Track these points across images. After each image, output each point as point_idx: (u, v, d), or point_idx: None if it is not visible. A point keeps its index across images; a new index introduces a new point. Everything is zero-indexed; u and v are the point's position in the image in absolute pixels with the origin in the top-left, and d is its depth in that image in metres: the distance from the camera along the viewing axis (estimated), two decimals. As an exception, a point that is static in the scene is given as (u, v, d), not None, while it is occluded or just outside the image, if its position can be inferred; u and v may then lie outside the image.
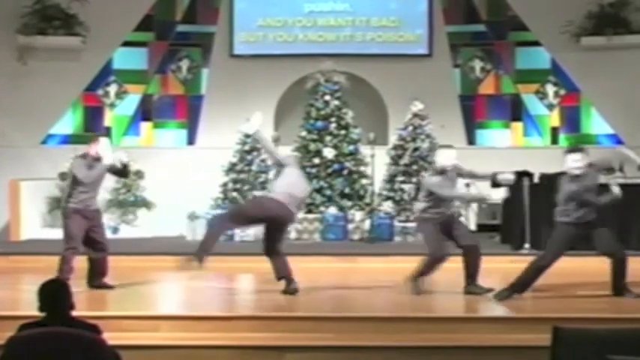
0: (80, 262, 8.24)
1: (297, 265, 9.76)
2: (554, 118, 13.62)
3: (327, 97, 12.47)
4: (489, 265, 8.20)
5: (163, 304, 8.26)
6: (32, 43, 12.89)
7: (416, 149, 12.41)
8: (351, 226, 11.90)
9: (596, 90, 13.23)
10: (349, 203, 12.11)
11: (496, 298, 7.59)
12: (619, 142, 12.87)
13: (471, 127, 13.71)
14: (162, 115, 13.71)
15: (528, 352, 6.07)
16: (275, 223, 8.02)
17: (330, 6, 13.72)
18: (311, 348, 6.41)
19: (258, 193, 11.66)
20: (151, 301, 8.05)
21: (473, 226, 12.77)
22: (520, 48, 13.70)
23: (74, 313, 4.61)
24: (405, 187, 12.27)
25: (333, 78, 12.53)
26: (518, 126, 13.68)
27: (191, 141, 13.65)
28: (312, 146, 12.31)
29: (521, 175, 10.63)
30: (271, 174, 12.14)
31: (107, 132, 13.23)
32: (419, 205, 8.08)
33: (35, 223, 12.22)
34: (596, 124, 13.41)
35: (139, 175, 12.55)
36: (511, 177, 8.14)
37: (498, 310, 7.52)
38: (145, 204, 12.66)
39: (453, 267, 9.61)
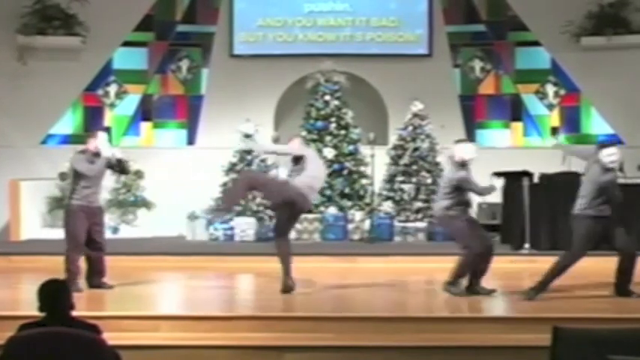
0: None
1: (297, 265, 9.78)
2: (554, 118, 13.62)
3: (327, 97, 12.48)
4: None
5: (163, 304, 8.26)
6: (32, 43, 12.88)
7: (416, 149, 12.41)
8: (351, 226, 11.91)
9: (596, 90, 13.22)
10: (349, 203, 12.12)
11: (525, 298, 7.49)
12: (619, 142, 12.86)
13: (471, 127, 13.70)
14: (162, 115, 13.71)
15: (528, 352, 6.07)
16: (290, 209, 8.09)
17: (330, 6, 13.71)
18: (311, 348, 6.41)
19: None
20: (150, 301, 8.04)
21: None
22: (520, 48, 13.70)
23: (74, 313, 4.61)
24: (405, 187, 12.27)
25: (333, 78, 12.53)
26: (518, 126, 13.67)
27: (191, 141, 13.65)
28: (312, 146, 12.28)
29: (521, 175, 10.65)
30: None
31: (107, 131, 13.24)
32: (442, 203, 7.87)
33: (35, 223, 12.22)
34: (596, 124, 13.40)
35: (139, 175, 12.55)
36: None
37: (498, 310, 7.53)
38: (145, 204, 12.66)
39: (452, 267, 9.64)
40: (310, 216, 11.81)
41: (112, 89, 13.54)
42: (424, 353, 6.38)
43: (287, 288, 7.91)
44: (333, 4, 13.71)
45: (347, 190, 12.15)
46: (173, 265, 9.92)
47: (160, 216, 12.47)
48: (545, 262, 8.23)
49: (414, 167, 12.35)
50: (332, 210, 11.97)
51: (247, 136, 12.34)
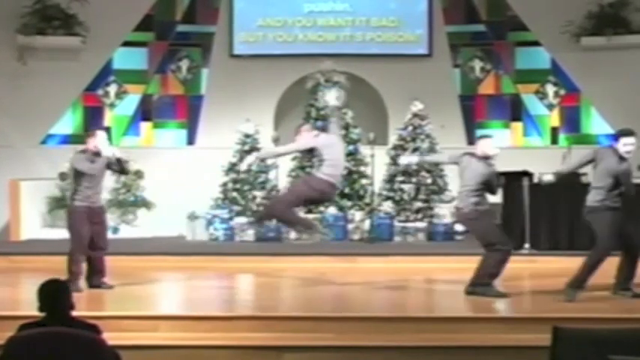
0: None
1: (298, 265, 9.80)
2: (554, 118, 13.62)
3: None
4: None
5: (163, 304, 8.26)
6: (32, 43, 12.88)
7: (416, 149, 12.40)
8: (350, 226, 11.91)
9: (596, 90, 13.22)
10: (349, 203, 12.11)
11: (566, 300, 7.43)
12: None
13: (471, 127, 13.69)
14: (162, 115, 13.70)
15: (528, 352, 6.07)
16: (321, 200, 8.44)
17: (330, 6, 13.71)
18: (311, 348, 6.41)
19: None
20: (150, 301, 8.04)
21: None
22: (520, 48, 13.69)
23: (74, 313, 4.61)
24: (405, 187, 12.27)
25: (333, 78, 12.53)
26: (518, 126, 13.67)
27: (191, 141, 13.64)
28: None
29: (521, 175, 10.64)
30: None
31: (106, 131, 13.24)
32: (471, 200, 7.77)
33: (35, 223, 12.22)
34: (596, 124, 13.40)
35: (139, 175, 12.54)
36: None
37: (498, 310, 7.52)
38: (145, 204, 12.65)
39: (452, 267, 9.66)
40: (310, 216, 11.79)
41: (112, 89, 13.53)
42: (424, 353, 6.38)
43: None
44: (333, 4, 13.70)
45: (347, 190, 12.15)
46: (173, 265, 9.92)
47: (160, 216, 12.47)
48: (546, 262, 8.28)
49: (414, 167, 12.34)
50: (332, 210, 11.97)
51: (247, 136, 12.33)
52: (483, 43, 13.75)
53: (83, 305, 6.88)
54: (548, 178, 7.97)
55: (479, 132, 13.70)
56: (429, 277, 9.28)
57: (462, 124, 13.63)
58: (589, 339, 4.50)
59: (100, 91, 13.48)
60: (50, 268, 7.60)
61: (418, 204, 12.18)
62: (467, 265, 9.13)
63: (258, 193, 12.13)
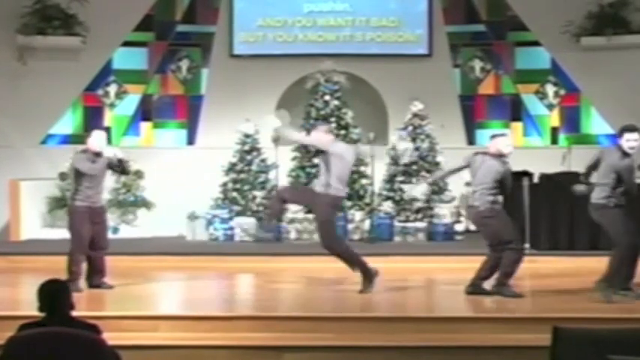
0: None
1: (298, 265, 9.80)
2: (554, 118, 13.62)
3: (327, 97, 12.46)
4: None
5: (163, 304, 8.26)
6: (32, 43, 12.87)
7: (416, 149, 12.40)
8: (351, 226, 11.90)
9: (596, 90, 13.22)
10: (349, 203, 12.10)
11: (606, 301, 7.41)
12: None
13: (471, 127, 13.70)
14: (162, 115, 13.70)
15: (528, 352, 6.07)
16: (334, 210, 8.34)
17: (330, 6, 13.71)
18: (311, 348, 6.41)
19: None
20: (150, 301, 8.04)
21: (473, 226, 12.77)
22: (520, 48, 13.69)
23: (74, 314, 4.61)
24: (405, 187, 12.26)
25: (333, 78, 12.52)
26: (518, 126, 13.66)
27: (191, 141, 13.64)
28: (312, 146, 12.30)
29: (521, 175, 10.64)
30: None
31: (106, 131, 13.24)
32: (487, 198, 7.74)
33: (35, 223, 12.22)
34: (596, 124, 13.40)
35: (139, 175, 12.54)
36: None
37: (498, 310, 7.52)
38: (145, 204, 12.65)
39: (452, 267, 9.66)
40: (310, 216, 11.79)
41: (112, 89, 13.53)
42: (424, 353, 6.38)
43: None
44: (333, 4, 13.70)
45: (347, 190, 12.13)
46: (173, 265, 9.93)
47: (160, 216, 12.47)
48: (546, 262, 8.28)
49: (414, 167, 12.34)
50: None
51: (247, 136, 12.32)
52: (483, 43, 13.74)
53: (83, 305, 6.89)
54: (581, 188, 7.93)
55: (479, 132, 13.74)
56: (429, 277, 9.28)
57: (461, 124, 13.63)
58: (589, 339, 4.50)
59: (100, 91, 13.48)
60: (50, 268, 7.61)
61: (418, 204, 12.17)
62: (467, 265, 9.14)
63: (258, 193, 12.13)
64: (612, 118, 13.09)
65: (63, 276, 7.28)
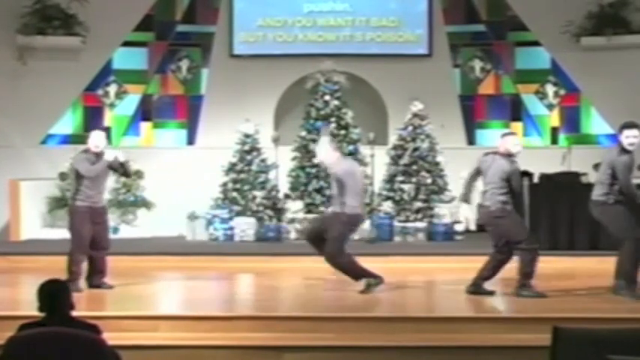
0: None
1: (298, 265, 9.80)
2: (554, 118, 13.62)
3: (327, 97, 12.46)
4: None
5: (163, 304, 8.25)
6: (32, 42, 12.88)
7: (416, 149, 12.40)
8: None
9: (596, 90, 13.22)
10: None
11: (632, 298, 7.43)
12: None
13: (471, 127, 13.70)
14: (162, 115, 13.70)
15: (528, 352, 6.07)
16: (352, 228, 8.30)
17: (330, 6, 13.71)
18: (311, 348, 6.41)
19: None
20: (150, 301, 8.04)
21: (473, 226, 12.77)
22: (520, 48, 13.69)
23: (74, 313, 4.61)
24: (405, 187, 12.26)
25: (332, 78, 12.52)
26: (518, 126, 13.66)
27: (191, 141, 13.65)
28: (312, 146, 12.28)
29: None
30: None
31: (107, 131, 13.25)
32: (499, 198, 7.71)
33: (35, 223, 12.21)
34: (596, 124, 13.40)
35: (139, 175, 12.54)
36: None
37: (498, 310, 7.52)
38: (145, 204, 12.65)
39: (452, 267, 9.66)
40: (310, 216, 11.80)
41: (112, 89, 13.53)
42: (424, 353, 6.38)
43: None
44: (333, 4, 13.70)
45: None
46: (173, 265, 9.92)
47: (160, 216, 12.47)
48: (545, 262, 8.25)
49: (414, 167, 12.34)
50: (332, 210, 11.94)
51: (247, 136, 12.31)
52: (483, 43, 13.75)
53: (83, 305, 6.89)
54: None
55: (479, 132, 13.75)
56: (429, 277, 9.28)
57: (461, 124, 13.63)
58: (589, 339, 4.50)
59: (100, 91, 13.49)
60: (50, 268, 7.61)
61: (418, 204, 12.17)
62: (467, 265, 9.14)
63: (258, 193, 12.12)
64: (612, 118, 13.09)
65: (63, 276, 7.28)
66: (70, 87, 13.19)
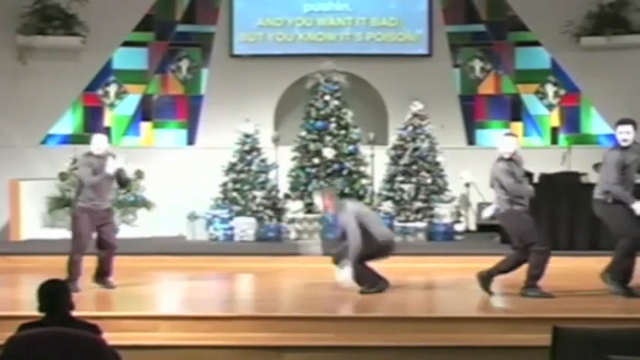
0: (86, 262, 8.27)
1: (298, 265, 9.80)
2: (554, 118, 13.62)
3: (327, 97, 12.46)
4: (490, 266, 8.17)
5: (163, 304, 8.26)
6: (32, 42, 12.88)
7: (416, 149, 12.40)
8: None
9: (596, 90, 13.22)
10: (349, 203, 12.09)
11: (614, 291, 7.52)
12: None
13: (471, 127, 13.70)
14: (162, 115, 13.70)
15: (528, 352, 6.07)
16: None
17: (330, 6, 13.71)
18: (311, 348, 6.41)
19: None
20: (150, 301, 8.04)
21: (473, 226, 12.78)
22: (520, 48, 13.69)
23: (74, 313, 4.61)
24: (405, 187, 12.26)
25: (332, 78, 12.52)
26: (518, 126, 13.66)
27: (191, 141, 13.65)
28: (312, 146, 12.31)
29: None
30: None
31: (107, 131, 13.27)
32: (504, 198, 7.73)
33: (35, 223, 12.21)
34: (596, 124, 13.40)
35: (139, 175, 12.54)
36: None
37: (498, 310, 7.52)
38: (145, 204, 12.65)
39: (452, 267, 9.66)
40: (310, 216, 11.81)
41: (112, 89, 13.53)
42: (424, 353, 6.38)
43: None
44: (333, 4, 13.70)
45: (347, 190, 12.14)
46: (173, 265, 9.92)
47: (160, 216, 12.47)
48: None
49: (414, 167, 12.33)
50: (332, 210, 11.93)
51: (247, 136, 12.32)
52: (483, 43, 13.75)
53: (83, 305, 6.88)
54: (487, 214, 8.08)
55: (479, 132, 13.75)
56: (429, 277, 9.28)
57: (461, 124, 13.63)
58: (589, 339, 4.50)
59: (100, 91, 13.49)
60: (50, 268, 7.62)
61: (418, 204, 12.17)
62: (467, 265, 9.16)
63: (258, 193, 12.12)
64: (612, 118, 13.02)
65: (63, 276, 7.29)
66: (70, 87, 13.19)
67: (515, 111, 13.71)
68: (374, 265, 8.06)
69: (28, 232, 11.95)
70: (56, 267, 7.89)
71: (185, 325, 6.84)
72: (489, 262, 8.08)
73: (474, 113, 13.75)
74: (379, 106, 13.62)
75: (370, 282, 7.96)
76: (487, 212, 8.12)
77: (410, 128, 12.53)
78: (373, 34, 13.69)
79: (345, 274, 7.81)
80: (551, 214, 10.44)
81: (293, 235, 11.77)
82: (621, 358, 4.29)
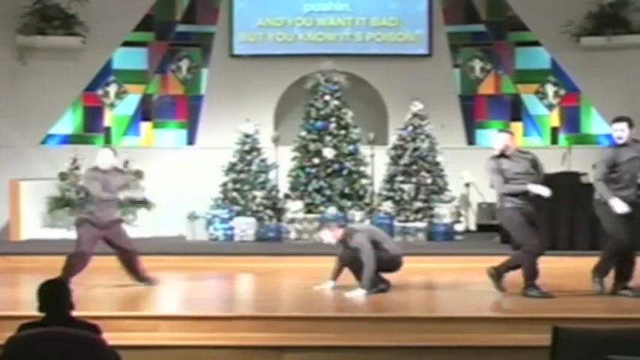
0: (94, 263, 8.33)
1: (298, 265, 9.80)
2: (553, 118, 13.62)
3: (327, 97, 12.47)
4: (490, 266, 8.18)
5: (163, 304, 8.25)
6: (32, 42, 12.88)
7: (416, 149, 12.40)
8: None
9: (596, 90, 13.22)
10: (349, 203, 12.10)
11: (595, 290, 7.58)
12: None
13: (471, 127, 13.70)
14: (162, 115, 13.71)
15: (528, 352, 6.07)
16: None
17: (330, 6, 13.72)
18: (311, 348, 6.41)
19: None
20: (150, 301, 8.04)
21: (473, 226, 12.79)
22: (520, 48, 13.70)
23: (74, 313, 4.61)
24: (405, 187, 12.26)
25: (332, 78, 12.52)
26: (518, 126, 13.66)
27: (191, 141, 13.65)
28: (312, 146, 12.31)
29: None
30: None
31: (107, 131, 13.30)
32: (501, 198, 7.79)
33: (35, 223, 12.22)
34: (595, 124, 13.40)
35: (139, 175, 12.54)
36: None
37: (498, 310, 7.52)
38: (145, 204, 12.65)
39: (452, 267, 9.65)
40: (310, 216, 11.81)
41: (112, 89, 13.54)
42: (424, 353, 6.37)
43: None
44: (333, 4, 13.71)
45: (347, 190, 12.15)
46: (173, 265, 9.92)
47: (160, 216, 12.47)
48: (546, 262, 8.23)
49: (414, 167, 12.34)
50: (332, 210, 11.96)
51: (247, 136, 12.32)
52: (483, 43, 13.75)
53: (83, 305, 6.87)
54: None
55: (479, 132, 13.75)
56: (429, 277, 9.27)
57: (461, 124, 13.64)
58: (589, 339, 4.50)
59: (100, 91, 13.49)
60: (50, 268, 7.62)
61: (418, 204, 12.17)
62: (467, 265, 9.16)
63: (258, 193, 12.12)
64: (612, 118, 13.07)
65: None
66: (70, 87, 13.20)
67: (515, 111, 13.71)
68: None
69: (28, 232, 11.96)
70: (56, 267, 7.89)
71: (185, 325, 6.84)
72: (489, 262, 8.08)
73: (473, 113, 13.76)
74: (379, 106, 13.62)
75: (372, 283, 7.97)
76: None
77: (410, 128, 12.53)
78: (373, 34, 13.70)
79: (356, 294, 7.80)
80: (551, 214, 10.43)
81: (293, 235, 11.77)
82: (621, 358, 4.29)
